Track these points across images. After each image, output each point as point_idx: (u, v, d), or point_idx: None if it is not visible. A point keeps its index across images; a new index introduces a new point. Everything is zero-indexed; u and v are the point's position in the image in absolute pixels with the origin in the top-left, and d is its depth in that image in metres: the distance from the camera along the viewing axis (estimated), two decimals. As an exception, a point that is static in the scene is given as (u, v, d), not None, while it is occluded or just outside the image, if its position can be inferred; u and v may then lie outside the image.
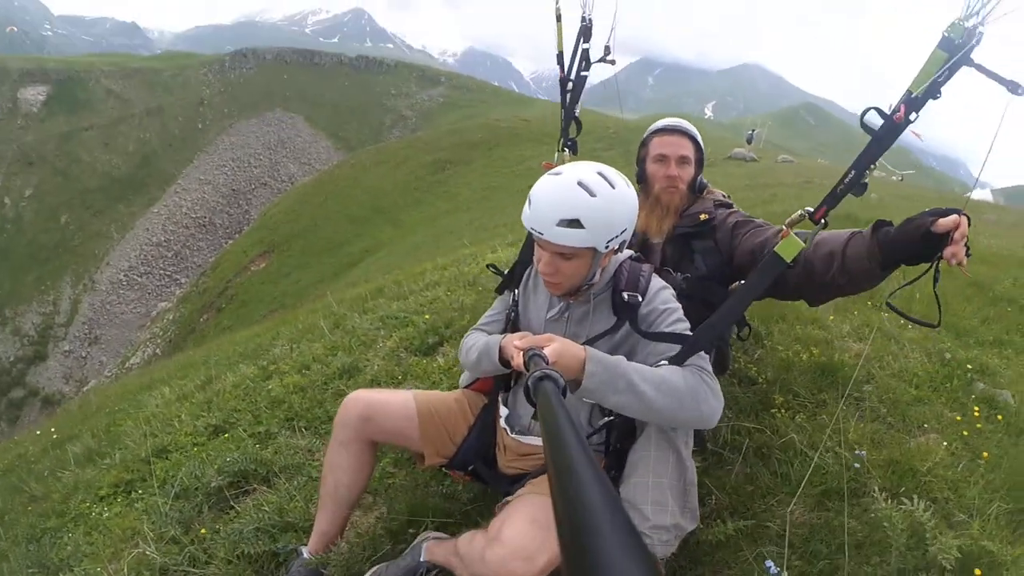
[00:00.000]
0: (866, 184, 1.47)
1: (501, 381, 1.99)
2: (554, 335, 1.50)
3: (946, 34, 1.32)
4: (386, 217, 28.72)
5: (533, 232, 1.58)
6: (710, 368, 1.58)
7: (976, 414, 2.56)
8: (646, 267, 1.75)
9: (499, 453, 1.95)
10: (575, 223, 1.52)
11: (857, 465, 2.08)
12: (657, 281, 1.73)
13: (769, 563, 1.67)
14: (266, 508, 2.25)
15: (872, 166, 1.47)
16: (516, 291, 1.94)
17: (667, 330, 1.62)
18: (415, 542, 1.96)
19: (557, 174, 1.58)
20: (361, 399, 1.92)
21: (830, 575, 1.76)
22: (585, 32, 2.19)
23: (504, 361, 1.71)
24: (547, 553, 1.39)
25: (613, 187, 1.56)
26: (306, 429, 3.05)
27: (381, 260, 20.08)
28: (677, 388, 1.48)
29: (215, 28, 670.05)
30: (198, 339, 22.26)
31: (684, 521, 1.58)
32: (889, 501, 1.80)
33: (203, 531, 2.24)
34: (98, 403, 5.55)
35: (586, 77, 2.24)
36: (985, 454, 2.23)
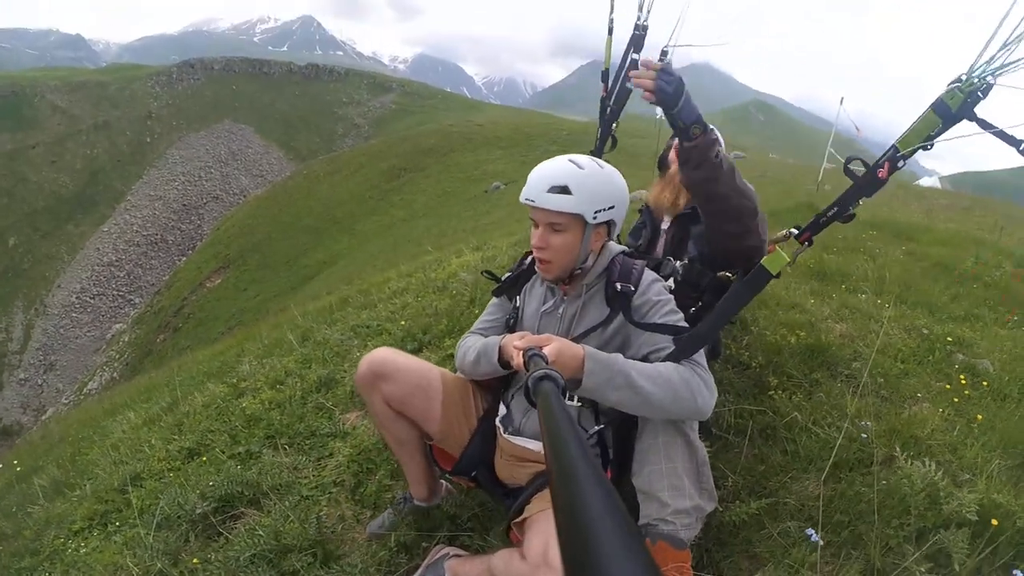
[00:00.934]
0: (853, 214, 1.49)
1: (502, 381, 1.96)
2: (552, 335, 1.51)
3: (944, 99, 1.28)
4: (342, 227, 28.20)
5: (527, 203, 1.64)
6: (704, 362, 1.60)
7: (963, 382, 2.64)
8: (639, 262, 1.78)
9: (496, 456, 1.91)
10: (564, 189, 1.60)
11: (864, 436, 2.13)
12: (649, 274, 1.76)
13: (810, 531, 1.70)
14: (260, 532, 2.11)
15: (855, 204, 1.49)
16: (517, 298, 1.93)
17: (660, 321, 1.64)
18: (432, 559, 1.88)
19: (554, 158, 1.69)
20: (376, 356, 1.85)
21: (854, 542, 1.79)
22: (637, 41, 2.17)
23: (503, 362, 1.71)
24: None
25: (602, 168, 1.66)
26: (289, 446, 2.92)
27: (339, 271, 19.76)
28: (672, 383, 1.51)
29: (162, 38, 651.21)
30: (156, 360, 21.39)
31: (703, 502, 1.60)
32: (911, 463, 1.87)
33: (195, 561, 2.08)
34: (60, 432, 5.24)
35: (630, 91, 2.24)
36: (980, 416, 2.31)
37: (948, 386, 2.60)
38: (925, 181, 29.55)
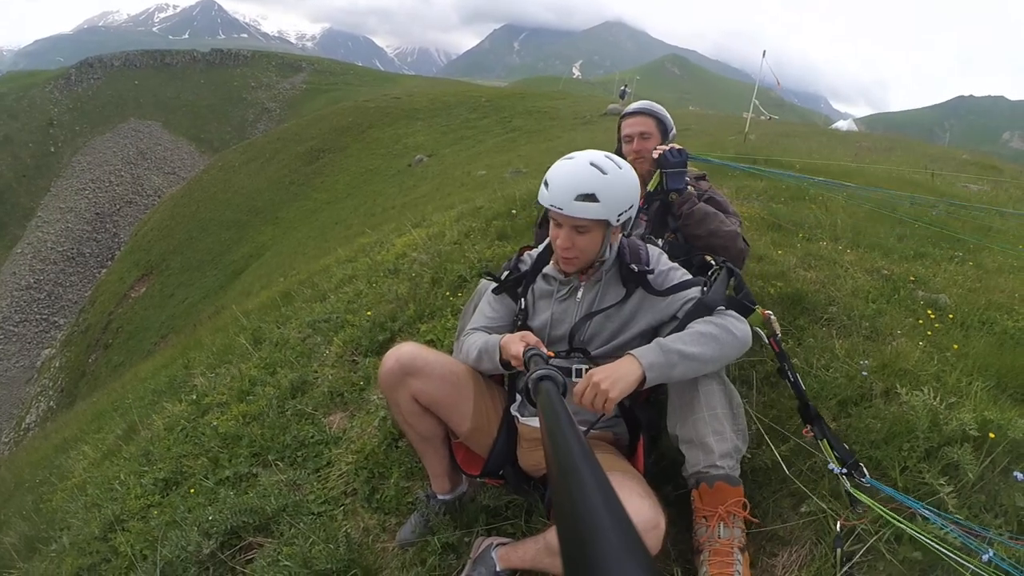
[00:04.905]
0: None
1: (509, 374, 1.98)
2: (593, 371, 1.59)
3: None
4: (264, 217, 27.14)
5: (553, 208, 1.69)
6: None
7: (931, 316, 2.82)
8: (639, 242, 1.92)
9: (518, 448, 1.92)
10: (591, 197, 1.66)
11: (864, 373, 2.28)
12: (653, 249, 1.91)
13: (831, 465, 1.80)
14: (286, 563, 1.99)
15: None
16: (523, 300, 1.94)
17: (679, 281, 1.81)
18: (477, 552, 1.85)
19: (570, 158, 1.74)
20: (405, 352, 1.83)
21: (874, 468, 1.91)
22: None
23: (504, 362, 1.73)
24: (663, 516, 1.45)
25: (620, 168, 1.73)
26: (280, 462, 2.76)
27: (268, 263, 19.08)
28: (710, 333, 1.64)
29: (57, 39, 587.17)
30: (91, 382, 20.10)
31: (740, 443, 1.74)
32: (910, 393, 2.04)
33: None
34: (14, 478, 4.80)
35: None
36: (955, 346, 2.48)
37: (920, 321, 2.77)
38: (841, 124, 31.11)
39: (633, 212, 1.77)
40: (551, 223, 1.78)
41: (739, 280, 1.90)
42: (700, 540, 1.69)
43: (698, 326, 1.66)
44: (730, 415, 1.73)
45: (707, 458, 1.69)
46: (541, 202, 1.72)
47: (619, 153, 2.59)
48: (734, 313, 1.71)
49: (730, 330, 1.65)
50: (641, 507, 1.42)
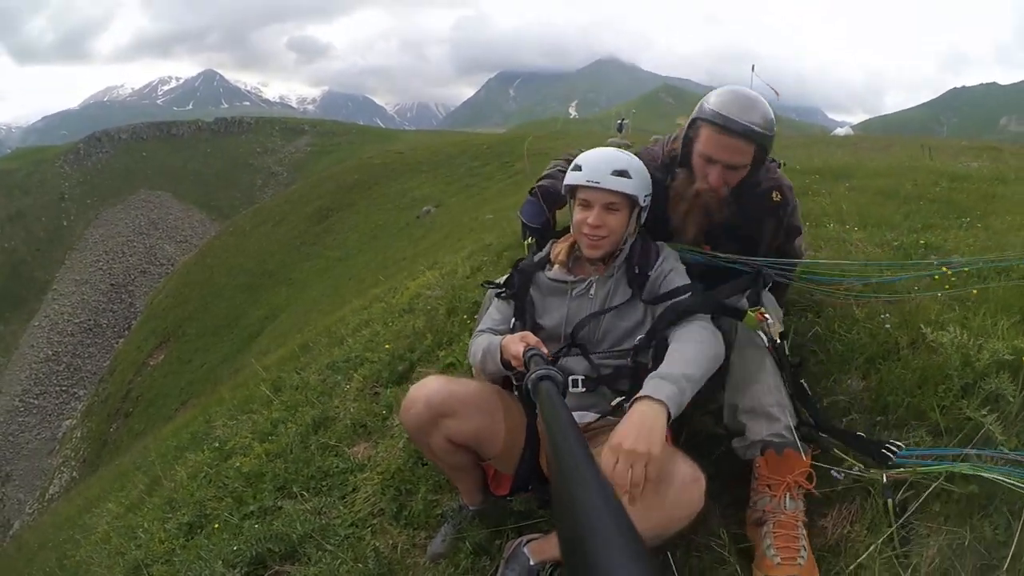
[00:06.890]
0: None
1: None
2: (617, 432, 1.41)
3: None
4: (277, 279, 27.51)
5: (589, 183, 1.78)
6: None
7: (947, 271, 2.75)
8: (652, 243, 1.94)
9: (541, 455, 1.84)
10: (625, 173, 1.78)
11: (888, 326, 2.29)
12: (664, 248, 1.93)
13: (834, 472, 1.79)
14: (317, 584, 1.94)
15: None
16: (525, 302, 1.95)
17: (667, 290, 1.81)
18: (510, 551, 1.80)
19: (594, 149, 1.89)
20: (434, 391, 1.72)
21: (914, 414, 1.92)
22: None
23: (505, 361, 1.72)
24: (701, 471, 1.47)
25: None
26: (306, 492, 2.71)
27: (284, 323, 19.23)
28: (701, 351, 1.62)
29: (64, 115, 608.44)
30: (113, 451, 20.15)
31: (792, 421, 1.74)
32: (938, 333, 2.05)
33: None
34: (37, 541, 4.77)
35: None
36: (975, 291, 2.45)
37: (937, 278, 2.72)
38: (839, 132, 31.28)
39: (649, 201, 1.87)
40: (577, 209, 1.84)
41: (757, 285, 1.86)
42: (764, 510, 1.64)
43: (688, 347, 1.61)
44: (785, 391, 1.76)
45: (772, 427, 1.68)
46: (573, 183, 1.82)
47: (684, 159, 1.99)
48: (705, 324, 1.71)
49: (712, 344, 1.67)
50: (680, 463, 1.45)
